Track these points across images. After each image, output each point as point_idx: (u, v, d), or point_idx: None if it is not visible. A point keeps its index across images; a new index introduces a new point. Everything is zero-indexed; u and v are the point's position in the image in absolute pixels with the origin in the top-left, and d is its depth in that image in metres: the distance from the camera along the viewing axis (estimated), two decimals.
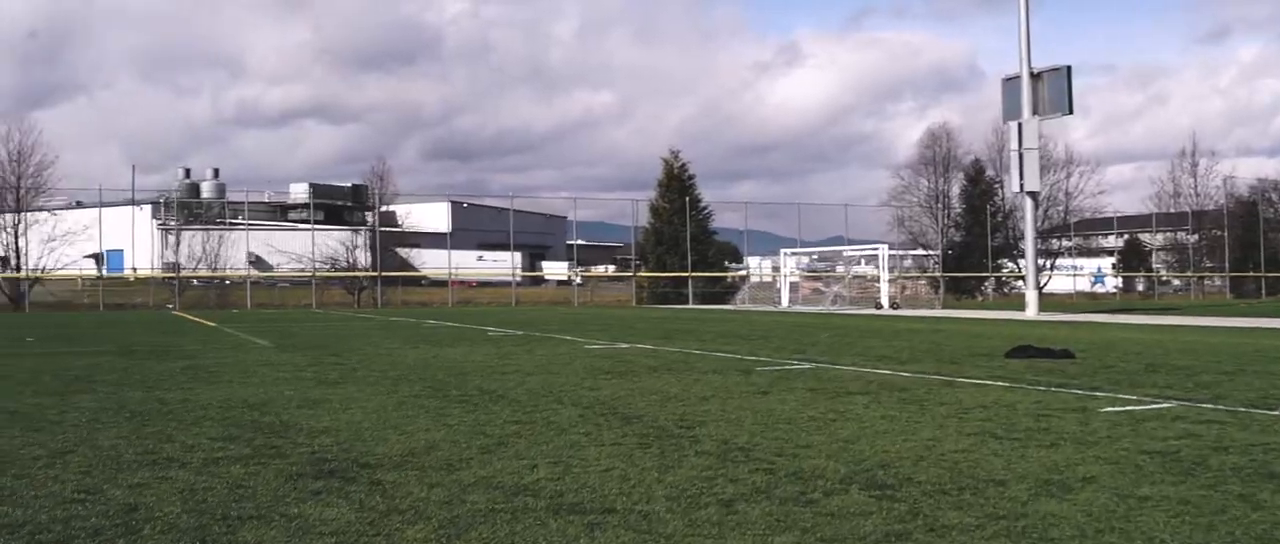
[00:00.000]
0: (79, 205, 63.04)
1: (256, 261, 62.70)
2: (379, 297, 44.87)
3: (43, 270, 39.68)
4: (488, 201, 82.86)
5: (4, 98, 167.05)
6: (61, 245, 39.58)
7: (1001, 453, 5.96)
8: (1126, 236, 73.85)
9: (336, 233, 52.97)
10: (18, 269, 39.14)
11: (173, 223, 78.51)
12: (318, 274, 46.55)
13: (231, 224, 71.42)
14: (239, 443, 6.35)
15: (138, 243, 62.31)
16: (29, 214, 41.15)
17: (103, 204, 42.96)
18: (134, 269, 60.67)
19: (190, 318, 30.20)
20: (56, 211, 47.47)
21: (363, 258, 46.61)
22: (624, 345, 16.32)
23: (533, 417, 7.60)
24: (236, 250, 49.70)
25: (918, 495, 4.81)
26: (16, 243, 39.29)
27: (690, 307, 44.32)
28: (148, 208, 75.82)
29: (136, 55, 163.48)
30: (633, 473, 5.35)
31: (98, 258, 66.84)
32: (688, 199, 50.95)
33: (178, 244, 47.68)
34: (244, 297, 42.93)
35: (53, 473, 5.39)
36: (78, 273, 40.81)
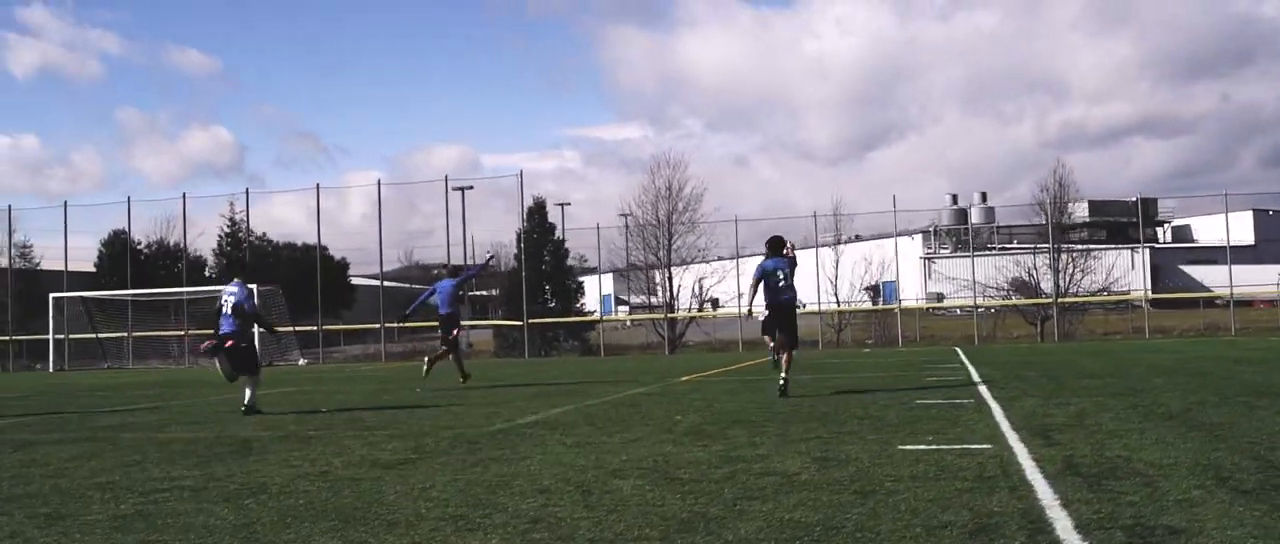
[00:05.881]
0: (857, 239, 64.74)
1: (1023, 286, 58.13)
2: (1057, 327, 37.95)
3: (698, 309, 40.56)
4: None
5: (843, 144, 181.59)
6: (714, 284, 39.89)
7: None
8: None
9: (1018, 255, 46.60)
10: (671, 309, 40.43)
11: (944, 251, 77.34)
12: (980, 303, 41.04)
13: (1001, 249, 67.82)
14: None
15: (907, 274, 62.30)
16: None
17: (878, 236, 42.72)
18: (899, 301, 60.54)
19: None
20: (835, 245, 48.23)
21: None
22: None
23: None
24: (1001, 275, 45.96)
25: None
26: (670, 281, 40.46)
27: None
28: (918, 237, 75.59)
29: (960, 89, 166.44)
30: None
31: (874, 290, 68.17)
32: None
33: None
34: (913, 325, 39.58)
35: None
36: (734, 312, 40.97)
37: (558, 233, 42.97)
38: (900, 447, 7.43)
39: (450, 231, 40.55)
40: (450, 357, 16.72)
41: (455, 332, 16.77)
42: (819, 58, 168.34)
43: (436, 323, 17.13)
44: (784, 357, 12.44)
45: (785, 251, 13.00)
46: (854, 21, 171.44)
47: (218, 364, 12.49)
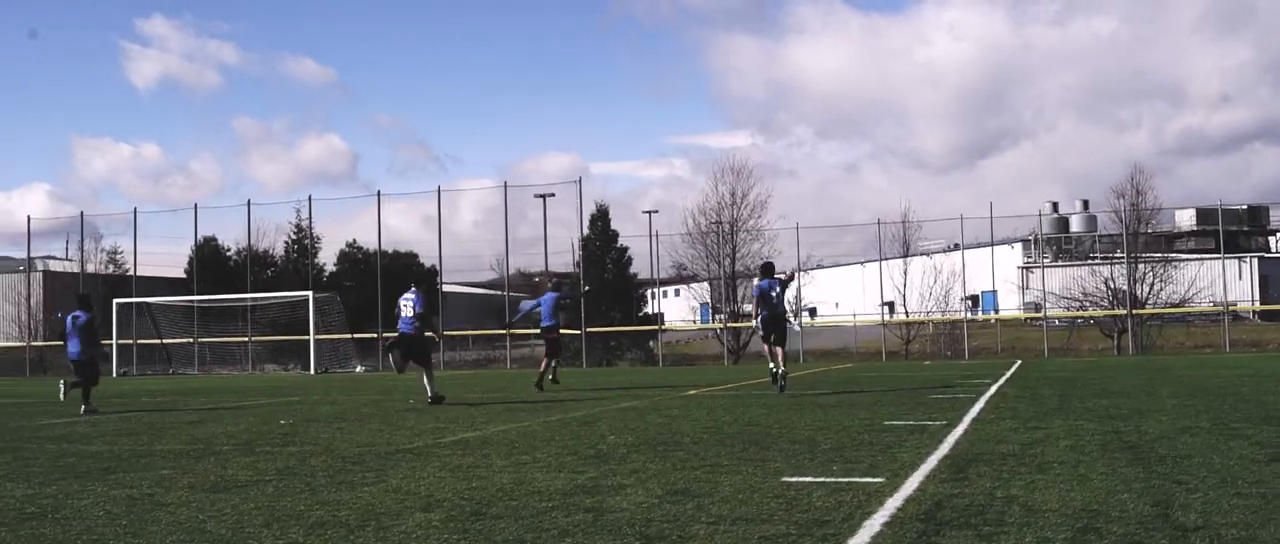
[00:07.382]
0: (956, 248, 63.03)
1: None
2: (1132, 341, 36.02)
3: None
4: None
5: (955, 151, 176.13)
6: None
7: None
8: None
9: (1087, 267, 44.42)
10: (736, 318, 39.51)
11: (1045, 261, 74.51)
12: (1051, 315, 39.19)
13: (1105, 258, 65.18)
14: None
15: (1004, 283, 60.20)
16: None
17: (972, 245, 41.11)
18: (995, 311, 58.60)
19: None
20: (933, 255, 47.16)
21: (1241, 290, 37.87)
22: None
23: None
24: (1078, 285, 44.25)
25: None
26: (733, 289, 39.52)
27: None
28: (1018, 246, 72.97)
29: (1075, 95, 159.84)
30: None
31: (974, 300, 66.29)
32: None
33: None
34: (991, 336, 38.01)
35: None
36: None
37: (621, 240, 42.44)
38: (783, 478, 6.64)
39: (510, 237, 40.32)
40: (546, 364, 18.42)
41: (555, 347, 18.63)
42: (930, 64, 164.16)
43: (537, 332, 19.11)
44: (779, 356, 15.63)
45: (778, 275, 16.73)
46: (966, 27, 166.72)
47: (392, 359, 14.88)
